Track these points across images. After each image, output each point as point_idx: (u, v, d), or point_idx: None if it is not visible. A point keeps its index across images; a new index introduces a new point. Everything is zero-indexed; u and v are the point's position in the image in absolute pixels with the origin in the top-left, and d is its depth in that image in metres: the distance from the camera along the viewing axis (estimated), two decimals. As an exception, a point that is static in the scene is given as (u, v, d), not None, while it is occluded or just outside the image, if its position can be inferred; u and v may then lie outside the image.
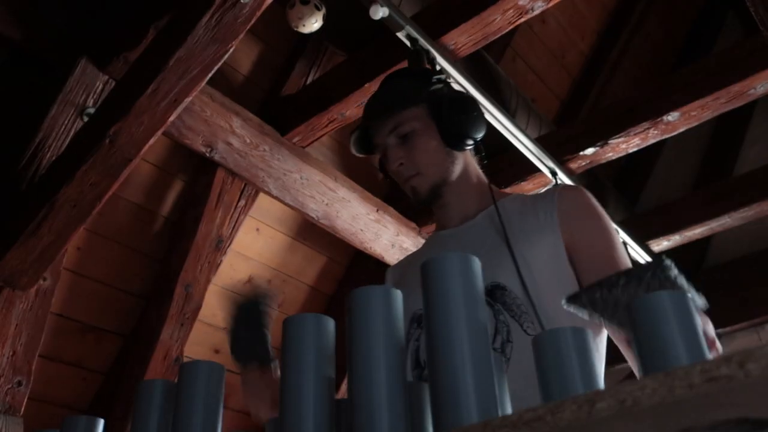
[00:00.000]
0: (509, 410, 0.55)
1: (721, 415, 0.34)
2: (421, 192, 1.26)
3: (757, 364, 0.31)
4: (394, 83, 1.35)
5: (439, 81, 1.32)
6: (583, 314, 0.67)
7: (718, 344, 0.83)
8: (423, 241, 2.93)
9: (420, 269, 0.55)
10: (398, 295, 0.56)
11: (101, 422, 0.73)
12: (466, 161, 1.30)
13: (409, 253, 1.65)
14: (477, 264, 0.54)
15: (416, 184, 1.26)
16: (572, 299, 0.69)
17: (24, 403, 1.86)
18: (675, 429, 0.36)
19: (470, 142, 1.26)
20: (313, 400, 0.55)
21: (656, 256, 0.79)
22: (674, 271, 0.65)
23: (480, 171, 1.33)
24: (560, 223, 1.14)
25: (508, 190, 2.08)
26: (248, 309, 1.17)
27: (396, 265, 1.43)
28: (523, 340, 1.05)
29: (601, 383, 0.52)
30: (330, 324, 0.59)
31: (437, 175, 1.25)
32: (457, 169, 1.27)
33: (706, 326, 0.81)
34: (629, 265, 1.13)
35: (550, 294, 1.07)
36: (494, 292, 1.11)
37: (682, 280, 0.65)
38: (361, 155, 1.37)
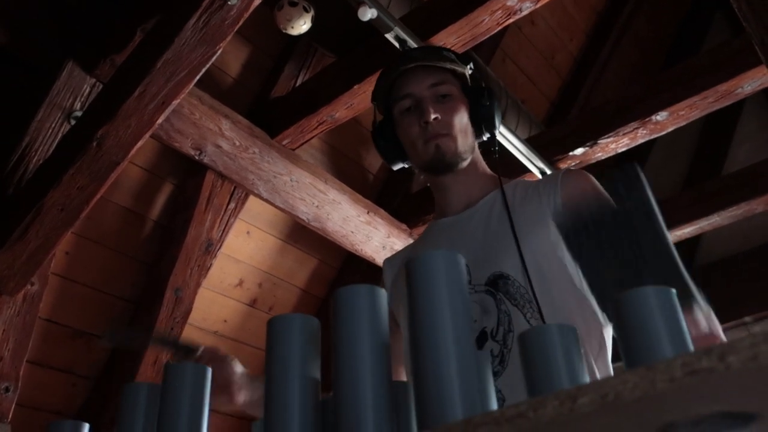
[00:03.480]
0: (494, 407, 0.54)
1: (704, 409, 0.34)
2: (447, 152, 1.23)
3: (738, 357, 0.30)
4: (440, 48, 1.39)
5: (477, 69, 1.35)
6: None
7: (723, 338, 0.83)
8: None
9: (404, 267, 0.54)
10: (383, 294, 0.56)
11: (87, 427, 0.72)
12: (476, 150, 1.31)
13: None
14: (461, 261, 0.54)
15: (443, 144, 1.23)
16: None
17: (12, 410, 1.85)
18: (658, 423, 0.35)
19: (490, 131, 1.28)
20: (299, 401, 0.55)
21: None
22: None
23: (484, 163, 1.33)
24: (564, 207, 1.12)
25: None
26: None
27: (394, 256, 1.40)
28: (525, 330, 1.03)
29: (587, 378, 0.52)
30: (315, 324, 0.58)
31: (464, 144, 1.25)
32: (472, 152, 1.28)
33: (710, 322, 0.80)
34: None
35: (556, 282, 1.05)
36: (497, 282, 1.10)
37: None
38: (376, 105, 1.35)
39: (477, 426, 0.37)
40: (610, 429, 0.36)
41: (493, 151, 1.32)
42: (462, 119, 1.25)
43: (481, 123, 1.27)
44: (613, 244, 0.75)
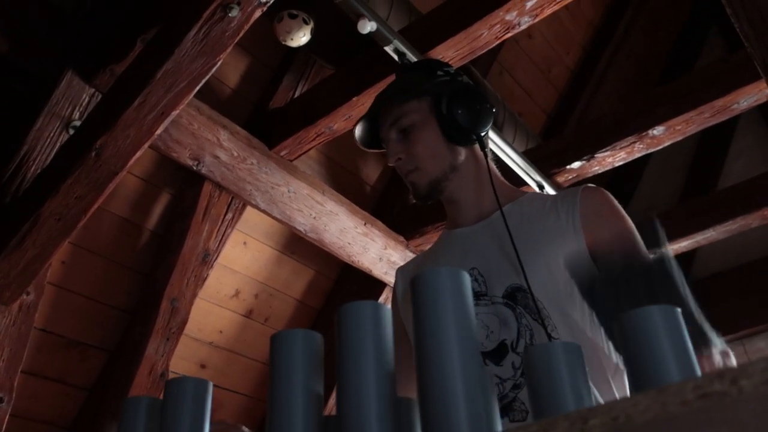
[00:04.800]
0: (499, 427, 0.54)
1: (714, 432, 0.34)
2: (420, 188, 1.23)
3: (750, 381, 0.30)
4: (400, 76, 1.34)
5: (446, 73, 1.27)
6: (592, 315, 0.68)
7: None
8: (411, 254, 2.93)
9: (410, 284, 0.54)
10: (387, 310, 0.56)
11: None
12: (476, 156, 1.26)
13: (408, 260, 1.61)
14: (467, 279, 0.54)
15: (414, 180, 1.23)
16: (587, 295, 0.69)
17: (6, 420, 1.83)
18: (667, 446, 0.35)
19: (472, 136, 1.22)
20: (302, 418, 0.55)
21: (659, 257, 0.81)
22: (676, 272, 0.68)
23: (494, 167, 1.28)
24: (583, 224, 1.11)
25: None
26: None
27: (407, 265, 1.38)
28: None
29: (593, 400, 0.52)
30: (318, 339, 0.58)
31: (436, 170, 1.22)
32: (461, 165, 1.24)
33: (727, 361, 0.81)
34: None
35: (573, 298, 1.04)
36: (515, 295, 1.10)
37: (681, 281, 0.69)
38: (367, 149, 1.35)
39: (486, 447, 0.37)
40: (620, 451, 0.36)
41: (485, 153, 1.27)
42: (426, 145, 1.22)
43: (452, 133, 1.22)
44: (631, 295, 0.74)
